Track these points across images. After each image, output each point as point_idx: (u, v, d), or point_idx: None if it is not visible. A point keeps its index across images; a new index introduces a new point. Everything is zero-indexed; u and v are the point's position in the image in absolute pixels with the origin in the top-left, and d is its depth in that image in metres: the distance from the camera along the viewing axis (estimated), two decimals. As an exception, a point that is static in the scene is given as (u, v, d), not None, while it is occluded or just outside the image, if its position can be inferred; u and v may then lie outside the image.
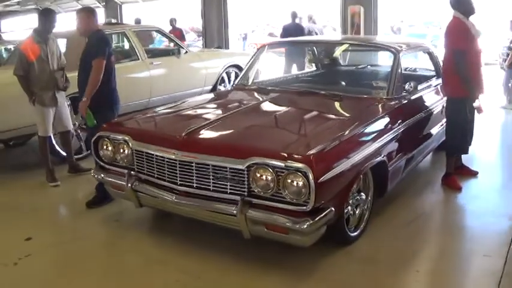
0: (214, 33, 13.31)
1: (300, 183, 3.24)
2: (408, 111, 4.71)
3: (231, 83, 8.75)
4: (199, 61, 8.62)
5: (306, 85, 5.34)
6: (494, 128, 8.06)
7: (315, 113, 4.41)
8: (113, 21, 16.14)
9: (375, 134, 4.01)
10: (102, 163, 4.35)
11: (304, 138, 3.59)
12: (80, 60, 5.01)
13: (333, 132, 3.71)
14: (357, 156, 3.65)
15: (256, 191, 3.44)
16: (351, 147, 3.67)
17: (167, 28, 14.10)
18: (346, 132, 3.74)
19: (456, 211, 4.85)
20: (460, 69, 4.80)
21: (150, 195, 3.99)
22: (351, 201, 3.91)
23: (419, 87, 5.22)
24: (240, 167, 3.44)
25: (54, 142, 6.08)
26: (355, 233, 4.05)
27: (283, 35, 11.05)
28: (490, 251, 3.91)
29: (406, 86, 4.80)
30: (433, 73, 6.02)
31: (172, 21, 13.86)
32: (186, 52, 8.51)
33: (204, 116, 4.39)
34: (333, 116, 4.42)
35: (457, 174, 5.34)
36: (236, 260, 3.81)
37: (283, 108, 4.59)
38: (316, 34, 11.61)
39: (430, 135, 5.30)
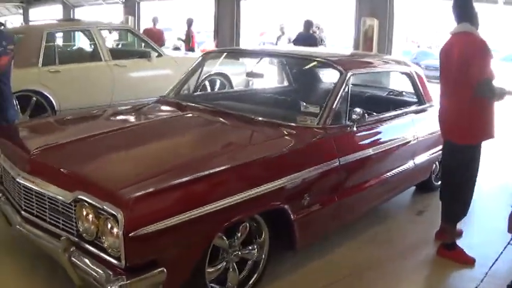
0: (226, 37, 12.84)
1: (115, 232, 2.64)
2: (344, 146, 3.98)
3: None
4: (174, 66, 8.06)
5: (227, 103, 4.68)
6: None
7: (196, 139, 3.82)
8: (130, 19, 16.11)
9: (266, 174, 3.31)
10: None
11: (142, 173, 2.94)
12: None
13: (189, 168, 3.03)
14: (219, 203, 2.93)
15: (80, 230, 2.89)
16: (209, 190, 2.97)
17: (184, 28, 13.81)
18: (208, 169, 3.04)
19: (396, 276, 3.97)
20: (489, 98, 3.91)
21: (7, 216, 3.56)
22: (228, 256, 3.29)
23: (385, 115, 4.60)
24: (65, 200, 2.93)
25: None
26: (234, 296, 3.37)
27: (294, 43, 10.52)
28: None
29: (353, 115, 4.08)
30: (412, 99, 5.30)
31: (189, 22, 13.60)
32: (160, 55, 8.03)
33: (77, 132, 3.88)
34: (211, 146, 3.65)
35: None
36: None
37: (170, 131, 3.98)
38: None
39: (388, 178, 4.52)
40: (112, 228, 2.67)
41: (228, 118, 4.16)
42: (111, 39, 11.20)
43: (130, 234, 2.56)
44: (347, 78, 4.18)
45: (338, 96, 4.09)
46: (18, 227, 3.33)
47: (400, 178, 4.71)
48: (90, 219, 2.80)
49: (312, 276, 3.83)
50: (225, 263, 3.28)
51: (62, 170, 3.14)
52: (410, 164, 4.81)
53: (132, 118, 4.37)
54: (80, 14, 19.38)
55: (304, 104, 4.08)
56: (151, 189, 2.74)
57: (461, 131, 4.03)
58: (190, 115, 4.31)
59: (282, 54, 5.47)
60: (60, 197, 2.96)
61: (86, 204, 2.79)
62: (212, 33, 14.48)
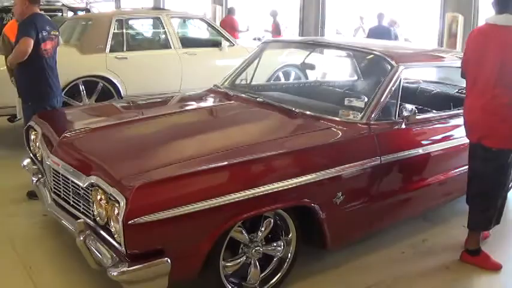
0: (311, 29, 12.69)
1: (119, 219, 2.65)
2: (389, 144, 3.75)
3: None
4: (247, 56, 8.00)
5: (275, 95, 4.57)
6: None
7: (224, 130, 3.75)
8: (217, 8, 16.28)
9: (288, 168, 3.18)
10: (31, 155, 4.21)
11: (156, 161, 2.94)
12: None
13: (203, 159, 2.98)
14: (230, 196, 2.83)
15: (95, 214, 2.94)
16: (222, 182, 2.90)
17: (268, 20, 13.81)
18: (223, 161, 2.97)
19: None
20: None
21: (43, 197, 3.71)
22: (248, 251, 3.20)
23: (441, 113, 4.34)
24: (81, 184, 3.01)
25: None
26: (255, 292, 3.28)
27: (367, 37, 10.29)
28: None
29: (404, 112, 3.86)
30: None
31: (273, 13, 13.62)
32: (233, 45, 8.02)
33: (112, 118, 4.00)
34: (237, 137, 3.58)
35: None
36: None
37: (202, 120, 3.99)
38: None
39: (441, 180, 4.23)
40: (118, 214, 2.67)
41: (269, 109, 4.06)
42: (203, 29, 11.25)
43: (129, 222, 2.56)
44: (398, 71, 3.95)
45: (386, 91, 3.87)
46: (48, 208, 3.49)
47: (455, 182, 4.37)
48: (103, 204, 2.84)
49: (340, 279, 3.67)
50: (244, 258, 3.20)
51: (82, 154, 3.23)
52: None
53: (171, 106, 4.38)
54: (169, 3, 19.86)
55: (351, 98, 3.89)
56: (157, 178, 2.73)
57: (498, 134, 3.67)
58: (231, 105, 4.26)
59: (335, 46, 5.25)
60: (78, 181, 3.05)
61: (99, 189, 2.83)
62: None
